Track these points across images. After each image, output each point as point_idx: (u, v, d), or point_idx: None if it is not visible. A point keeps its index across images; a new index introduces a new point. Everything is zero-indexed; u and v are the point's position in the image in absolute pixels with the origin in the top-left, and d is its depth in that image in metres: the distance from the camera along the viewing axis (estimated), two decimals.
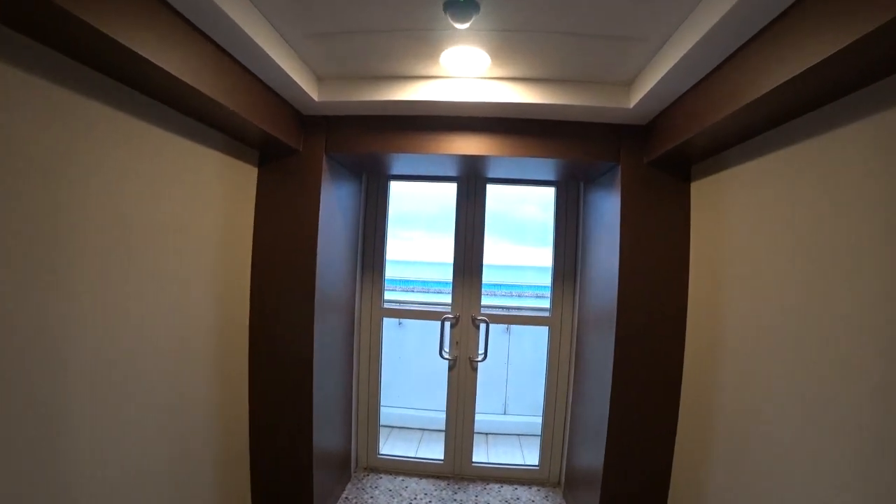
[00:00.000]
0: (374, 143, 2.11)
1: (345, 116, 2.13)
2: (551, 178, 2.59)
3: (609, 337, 2.05)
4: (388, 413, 3.78)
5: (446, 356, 2.79)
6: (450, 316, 2.79)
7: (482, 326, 2.77)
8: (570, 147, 2.05)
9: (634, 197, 2.02)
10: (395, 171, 2.64)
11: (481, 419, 3.01)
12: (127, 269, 1.44)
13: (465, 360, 2.81)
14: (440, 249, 2.91)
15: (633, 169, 2.04)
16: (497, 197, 2.85)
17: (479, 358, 2.78)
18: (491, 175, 2.56)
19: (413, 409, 3.87)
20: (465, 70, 1.80)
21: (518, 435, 3.68)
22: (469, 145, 2.04)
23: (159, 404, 1.60)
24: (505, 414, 3.95)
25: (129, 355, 1.45)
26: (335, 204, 2.34)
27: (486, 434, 3.70)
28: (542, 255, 2.94)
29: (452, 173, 2.56)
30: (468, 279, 2.79)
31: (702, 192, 1.96)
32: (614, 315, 2.00)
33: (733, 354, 1.67)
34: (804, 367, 1.32)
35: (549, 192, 2.85)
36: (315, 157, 2.15)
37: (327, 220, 2.23)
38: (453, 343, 2.81)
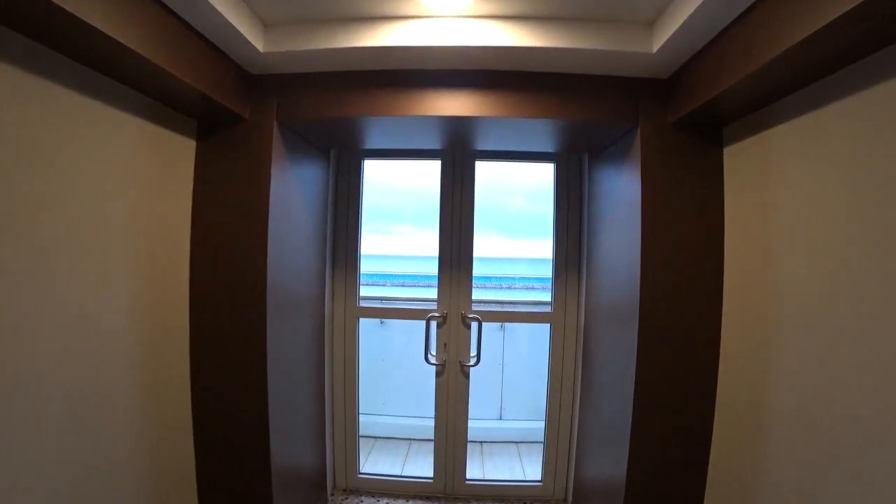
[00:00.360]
0: (335, 106, 1.72)
1: (299, 75, 1.74)
2: (549, 149, 2.21)
3: (629, 333, 1.70)
4: (371, 423, 3.42)
5: (433, 361, 2.42)
6: (436, 314, 2.41)
7: (474, 325, 2.40)
8: (577, 106, 1.67)
9: (657, 166, 1.66)
10: (368, 145, 2.25)
11: (475, 426, 2.65)
12: (9, 265, 1.05)
13: (455, 365, 2.44)
14: (427, 243, 2.54)
15: (654, 132, 1.67)
16: (484, 186, 2.46)
17: (471, 362, 2.42)
18: (480, 147, 2.19)
19: (399, 417, 3.51)
20: (446, 5, 1.42)
21: (516, 442, 3.34)
22: (454, 104, 1.65)
23: (66, 429, 1.21)
24: (501, 419, 3.61)
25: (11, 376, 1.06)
26: (294, 184, 1.94)
27: (481, 442, 3.35)
28: (532, 247, 2.59)
29: (436, 145, 2.18)
30: (456, 272, 2.42)
31: (738, 158, 1.61)
32: (636, 309, 1.64)
33: (788, 351, 1.33)
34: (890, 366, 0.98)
35: (539, 182, 2.49)
36: (264, 126, 1.75)
37: (283, 204, 1.84)
38: (440, 346, 2.44)
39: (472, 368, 2.43)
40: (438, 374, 2.45)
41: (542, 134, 1.90)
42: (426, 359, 2.39)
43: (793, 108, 1.35)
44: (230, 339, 1.76)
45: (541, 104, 1.66)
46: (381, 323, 3.70)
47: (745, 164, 1.57)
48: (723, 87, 1.36)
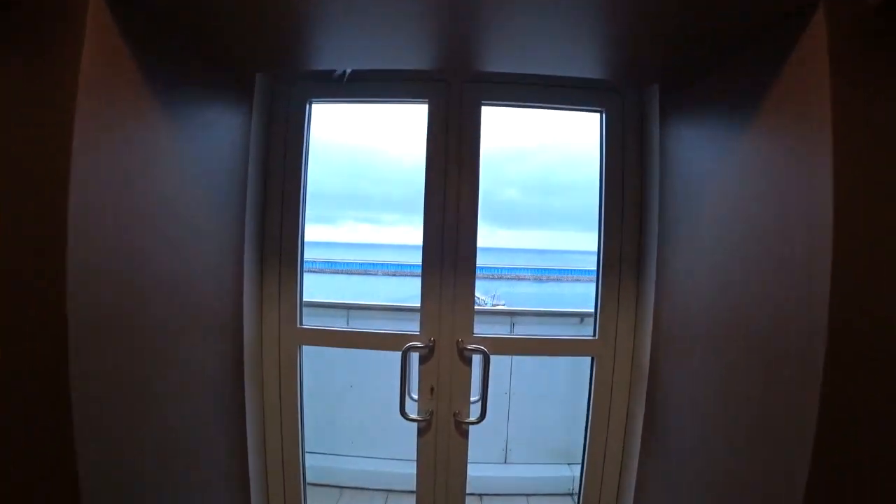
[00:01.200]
0: None
1: None
2: (598, 74, 1.34)
3: (786, 363, 0.88)
4: (335, 469, 2.62)
5: (413, 415, 1.59)
6: (418, 343, 1.58)
7: (477, 360, 1.57)
8: None
9: (856, 88, 0.83)
10: (309, 62, 1.34)
11: (472, 473, 1.81)
12: None
13: (447, 420, 1.61)
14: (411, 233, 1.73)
15: (850, 23, 0.84)
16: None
17: (473, 416, 1.59)
18: (489, 67, 1.30)
19: (374, 460, 2.70)
20: None
21: (526, 495, 2.55)
22: None
23: None
24: (505, 463, 2.81)
25: None
26: (155, 119, 1.08)
27: (480, 496, 2.57)
28: (529, 238, 1.77)
29: (420, 61, 1.28)
30: (449, 277, 1.58)
31: None
32: (817, 330, 0.81)
33: None
34: None
35: (537, 166, 1.69)
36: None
37: (122, 148, 0.98)
38: (425, 390, 1.61)
39: (474, 426, 1.61)
40: (422, 433, 1.63)
41: (587, 45, 1.05)
42: (402, 411, 1.56)
43: None
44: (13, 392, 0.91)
45: None
46: None
47: None
48: None
